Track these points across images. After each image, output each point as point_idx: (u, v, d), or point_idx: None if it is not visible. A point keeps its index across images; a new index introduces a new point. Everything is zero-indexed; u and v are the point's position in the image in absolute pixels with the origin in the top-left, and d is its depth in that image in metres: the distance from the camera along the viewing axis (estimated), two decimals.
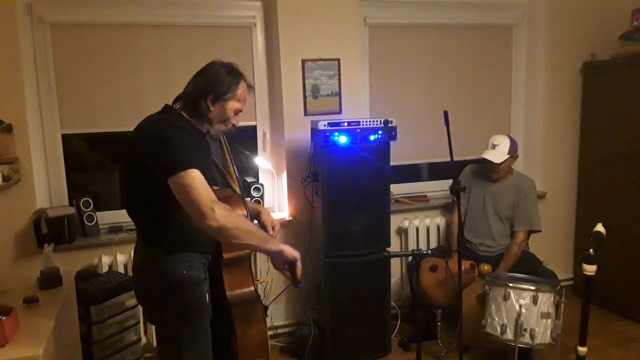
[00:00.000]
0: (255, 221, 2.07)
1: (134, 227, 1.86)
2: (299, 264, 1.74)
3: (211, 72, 1.77)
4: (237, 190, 2.10)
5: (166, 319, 1.80)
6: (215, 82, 1.75)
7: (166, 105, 1.83)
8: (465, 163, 3.34)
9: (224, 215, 1.55)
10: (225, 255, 2.02)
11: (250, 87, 1.86)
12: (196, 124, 1.78)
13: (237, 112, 1.82)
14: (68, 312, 2.30)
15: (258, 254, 3.07)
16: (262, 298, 2.30)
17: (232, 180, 2.11)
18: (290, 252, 1.71)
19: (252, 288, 2.11)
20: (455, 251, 2.83)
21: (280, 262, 1.74)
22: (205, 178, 1.62)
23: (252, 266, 2.27)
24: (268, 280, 3.10)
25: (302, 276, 1.76)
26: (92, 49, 2.93)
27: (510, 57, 3.80)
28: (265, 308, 2.21)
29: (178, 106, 1.81)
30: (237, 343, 2.01)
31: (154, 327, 2.05)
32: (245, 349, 2.03)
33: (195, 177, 1.57)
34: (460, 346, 2.58)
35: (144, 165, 1.66)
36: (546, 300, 2.53)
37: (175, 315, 1.77)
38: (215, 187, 2.02)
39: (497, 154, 3.02)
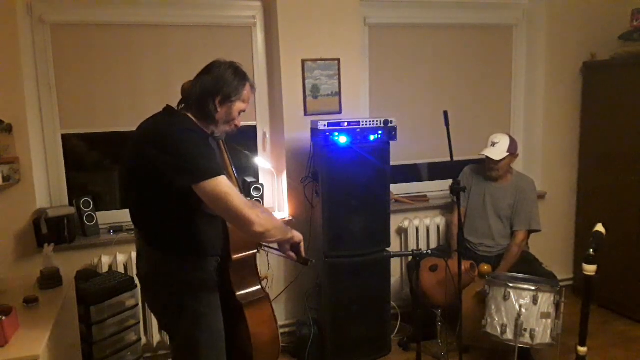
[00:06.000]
0: None
1: (139, 231, 1.84)
2: (302, 244, 1.84)
3: (217, 73, 1.77)
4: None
5: (183, 327, 1.79)
6: (222, 83, 1.76)
7: (168, 107, 1.82)
8: (465, 163, 3.34)
9: (265, 219, 1.64)
10: (235, 257, 2.02)
11: (254, 88, 1.87)
12: (201, 126, 1.78)
13: (241, 112, 1.84)
14: (68, 312, 2.30)
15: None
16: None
17: (232, 181, 2.10)
18: (298, 235, 1.83)
19: (260, 286, 2.12)
20: (455, 251, 2.83)
21: (287, 246, 1.83)
22: None
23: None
24: (268, 277, 3.10)
25: (306, 255, 1.87)
26: (92, 49, 2.93)
27: (510, 57, 3.80)
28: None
29: (182, 107, 1.81)
30: (250, 343, 2.01)
31: (166, 333, 2.04)
32: (259, 347, 2.03)
33: (227, 184, 1.61)
34: (460, 346, 2.59)
35: (155, 170, 1.63)
36: (546, 300, 2.53)
37: (193, 322, 1.77)
38: None
39: (497, 152, 3.02)
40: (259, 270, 2.24)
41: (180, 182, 1.60)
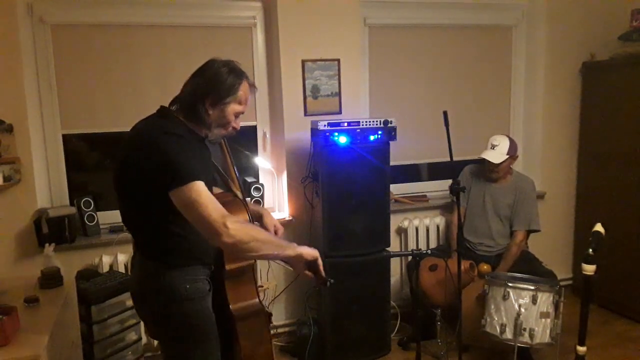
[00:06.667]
0: (257, 223, 2.01)
1: (131, 234, 1.80)
2: (319, 262, 1.64)
3: (210, 72, 1.65)
4: (239, 194, 2.06)
5: (173, 335, 1.72)
6: (214, 83, 1.63)
7: (162, 108, 1.72)
8: (465, 163, 3.35)
9: (238, 229, 1.48)
10: (229, 267, 1.92)
11: (253, 87, 1.73)
12: (194, 129, 1.68)
13: (237, 114, 1.70)
14: (69, 312, 2.31)
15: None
16: (263, 302, 2.26)
17: (233, 183, 2.07)
18: (309, 252, 1.62)
19: (257, 299, 2.04)
20: (455, 251, 2.84)
21: (300, 265, 1.64)
22: (207, 185, 1.55)
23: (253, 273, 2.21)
24: (271, 287, 3.08)
25: (325, 273, 1.67)
26: (92, 49, 2.93)
27: (510, 57, 3.81)
28: (269, 315, 2.17)
29: (174, 109, 1.70)
30: (242, 355, 1.97)
31: (158, 342, 1.94)
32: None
33: (200, 191, 1.49)
34: (460, 346, 2.59)
35: (142, 175, 1.57)
36: (545, 299, 2.54)
37: (182, 331, 1.70)
38: (216, 190, 2.00)
39: (497, 154, 3.03)
40: (257, 280, 2.17)
41: (158, 187, 1.52)
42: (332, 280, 1.66)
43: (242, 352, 1.95)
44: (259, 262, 3.09)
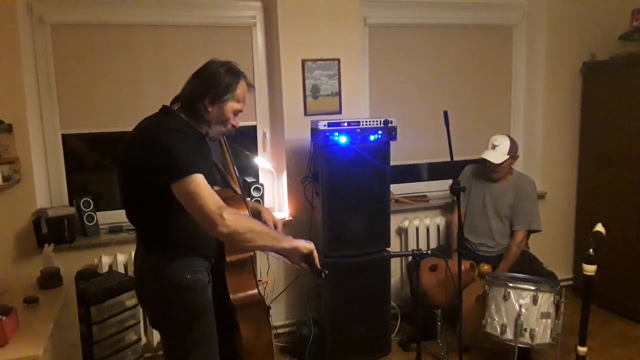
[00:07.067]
0: None
1: (134, 229, 1.84)
2: (314, 254, 1.68)
3: (209, 72, 1.74)
4: (238, 190, 2.09)
5: (173, 325, 1.77)
6: (213, 82, 1.71)
7: (164, 107, 1.80)
8: (465, 163, 3.34)
9: (234, 220, 1.54)
10: (229, 258, 1.99)
11: (251, 86, 1.81)
12: (195, 126, 1.75)
13: (236, 112, 1.78)
14: (68, 312, 2.30)
15: (257, 254, 3.07)
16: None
17: (233, 181, 2.10)
18: (305, 245, 1.66)
19: (256, 290, 2.08)
20: (455, 251, 2.83)
21: (296, 257, 1.68)
22: (207, 181, 1.60)
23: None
24: (269, 281, 3.09)
25: (320, 265, 1.70)
26: (92, 49, 2.93)
27: (510, 57, 3.80)
28: (268, 309, 2.20)
29: (176, 107, 1.77)
30: (242, 346, 1.99)
31: (158, 332, 2.00)
32: (251, 352, 2.01)
33: (199, 183, 1.56)
34: (460, 346, 2.59)
35: (144, 170, 1.63)
36: (546, 300, 2.54)
37: (182, 321, 1.75)
38: (216, 188, 2.02)
39: (497, 155, 3.02)
40: (256, 273, 2.20)
41: (160, 181, 1.58)
42: (326, 271, 1.71)
43: (242, 343, 1.97)
44: (258, 260, 3.10)
